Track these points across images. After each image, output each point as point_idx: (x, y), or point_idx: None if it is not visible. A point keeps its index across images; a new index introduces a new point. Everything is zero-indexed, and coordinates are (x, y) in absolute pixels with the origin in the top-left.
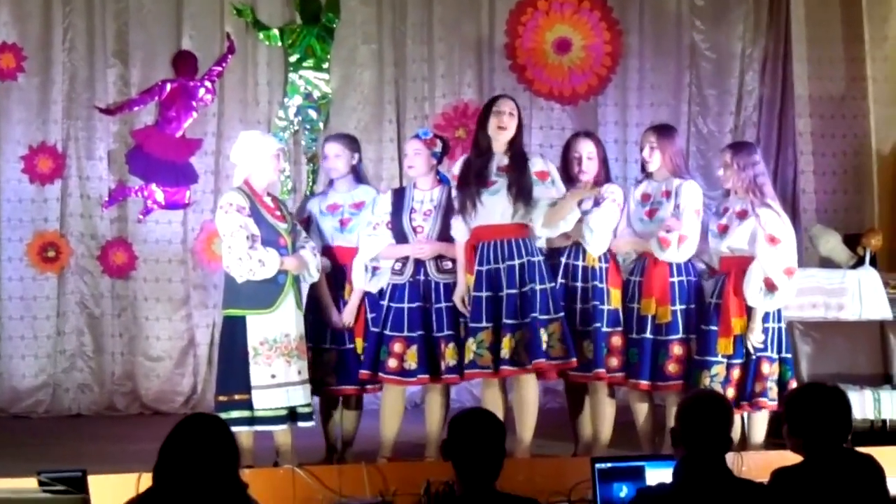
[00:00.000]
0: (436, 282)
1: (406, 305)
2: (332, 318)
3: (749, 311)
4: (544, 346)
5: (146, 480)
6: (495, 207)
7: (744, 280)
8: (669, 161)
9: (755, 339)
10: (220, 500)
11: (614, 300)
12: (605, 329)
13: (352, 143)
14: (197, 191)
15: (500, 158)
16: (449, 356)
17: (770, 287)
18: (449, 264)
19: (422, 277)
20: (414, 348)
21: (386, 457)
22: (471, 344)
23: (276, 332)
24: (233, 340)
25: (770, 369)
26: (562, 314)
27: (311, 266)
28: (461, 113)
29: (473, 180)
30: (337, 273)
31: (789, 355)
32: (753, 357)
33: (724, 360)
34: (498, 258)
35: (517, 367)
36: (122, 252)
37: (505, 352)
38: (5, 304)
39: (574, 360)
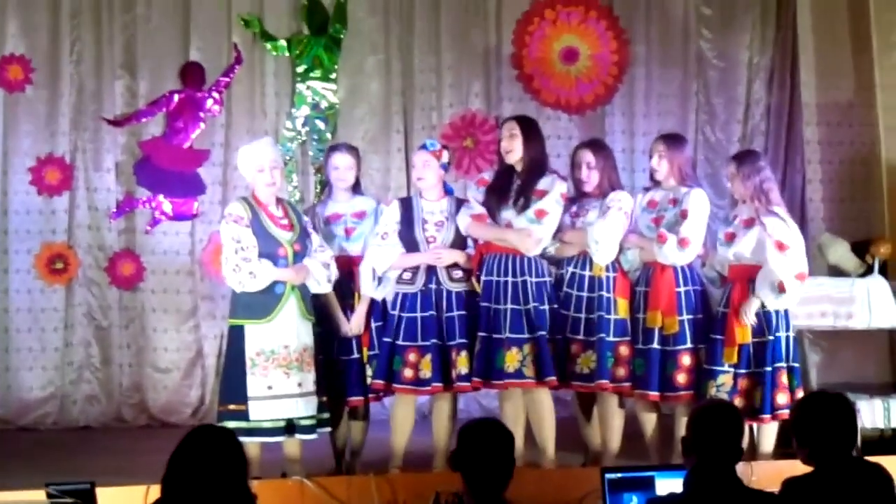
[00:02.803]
0: (448, 290)
1: (419, 315)
2: (342, 327)
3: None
4: (507, 365)
5: (154, 492)
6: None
7: (749, 288)
8: (677, 170)
9: (748, 317)
10: None
11: (621, 310)
12: (610, 339)
13: (357, 154)
14: (205, 201)
15: (519, 175)
16: (461, 364)
17: (781, 289)
18: (460, 273)
19: (434, 286)
20: (428, 357)
21: (398, 467)
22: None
23: (273, 343)
24: (233, 350)
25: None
26: (540, 333)
27: (320, 276)
28: (469, 122)
29: (495, 195)
30: (343, 282)
31: (797, 364)
32: (770, 368)
33: (731, 370)
34: (500, 272)
35: (526, 380)
36: (129, 263)
37: (509, 365)
38: (13, 317)
39: (550, 379)
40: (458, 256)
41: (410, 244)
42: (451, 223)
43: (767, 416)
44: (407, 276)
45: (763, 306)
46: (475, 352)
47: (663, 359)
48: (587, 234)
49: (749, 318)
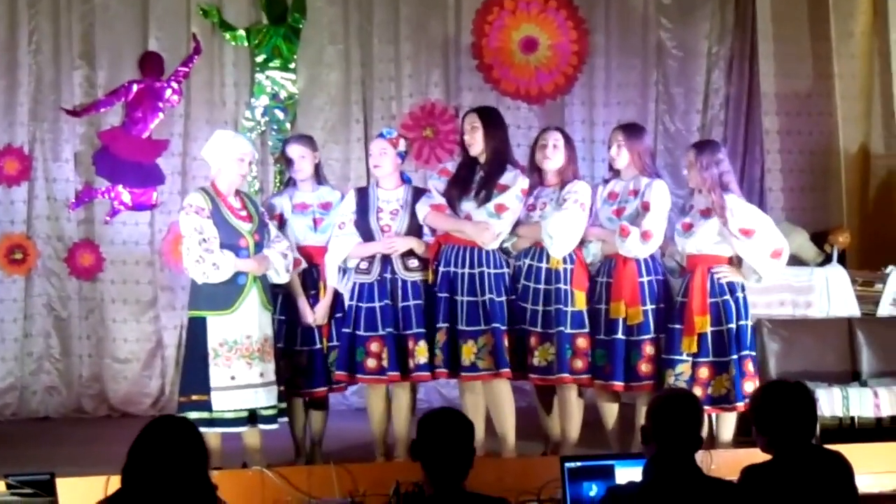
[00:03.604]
0: (402, 280)
1: (377, 304)
2: (307, 317)
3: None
4: (464, 358)
5: (115, 483)
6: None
7: (708, 276)
8: (637, 159)
9: (725, 273)
10: (190, 502)
11: (578, 302)
12: (568, 331)
13: (312, 143)
14: (164, 192)
15: (482, 167)
16: (419, 354)
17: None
18: (416, 262)
19: (388, 276)
20: (387, 346)
21: (382, 454)
22: (423, 345)
23: (236, 333)
24: (194, 341)
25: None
26: (495, 325)
27: (279, 266)
28: (428, 112)
29: (457, 186)
30: (308, 272)
31: (754, 353)
32: (735, 357)
33: (689, 359)
34: (457, 263)
35: (481, 372)
36: (89, 254)
37: (465, 358)
38: None
39: (504, 371)
40: (412, 244)
41: (366, 233)
42: (406, 212)
43: (741, 404)
44: (363, 265)
45: (724, 294)
46: (441, 343)
47: (627, 349)
48: (541, 227)
49: (725, 277)
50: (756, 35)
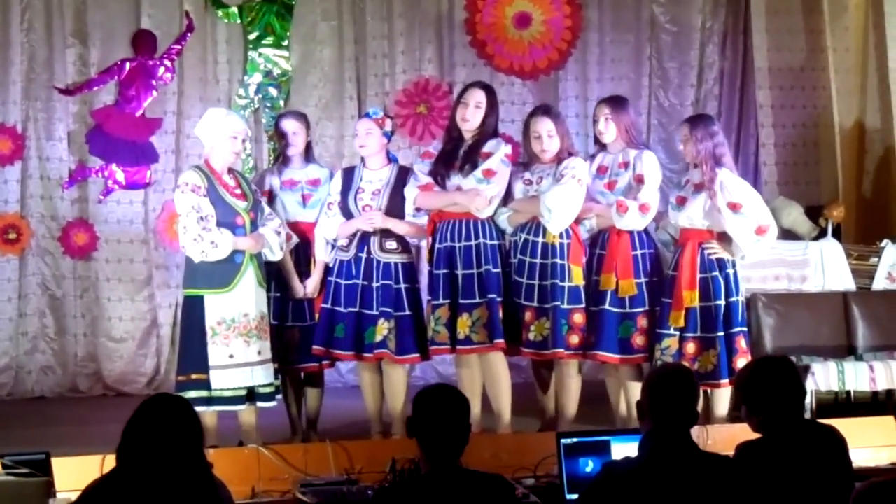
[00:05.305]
0: (377, 260)
1: (360, 282)
2: (297, 291)
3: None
4: (458, 332)
5: (110, 462)
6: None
7: (699, 251)
8: (625, 132)
9: (715, 249)
10: (185, 481)
11: (575, 277)
12: (564, 306)
13: (306, 119)
14: (158, 170)
15: (467, 143)
16: (379, 333)
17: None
18: (394, 244)
19: (364, 255)
20: (348, 325)
21: (379, 432)
22: (430, 321)
23: (233, 311)
24: (191, 320)
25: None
26: (491, 297)
27: (273, 244)
28: (422, 89)
29: (443, 162)
30: (301, 247)
31: (745, 329)
32: (722, 333)
33: (676, 334)
34: (454, 237)
35: (475, 345)
36: (83, 233)
37: (460, 331)
38: None
39: (499, 342)
40: (399, 227)
41: (346, 213)
42: (387, 191)
43: (725, 381)
44: (343, 243)
45: (713, 270)
46: (445, 320)
47: (620, 321)
48: (540, 201)
49: (715, 254)
50: (749, 9)
